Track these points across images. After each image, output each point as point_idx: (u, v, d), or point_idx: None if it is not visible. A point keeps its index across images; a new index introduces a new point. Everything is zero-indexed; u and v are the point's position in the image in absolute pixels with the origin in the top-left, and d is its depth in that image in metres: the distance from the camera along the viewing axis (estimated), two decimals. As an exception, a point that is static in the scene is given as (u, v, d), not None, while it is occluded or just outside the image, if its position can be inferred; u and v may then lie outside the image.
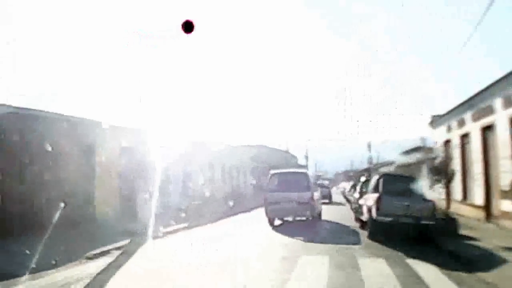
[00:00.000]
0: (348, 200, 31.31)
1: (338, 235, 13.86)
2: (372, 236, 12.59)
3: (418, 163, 24.08)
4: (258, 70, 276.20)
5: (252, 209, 24.47)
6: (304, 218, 16.39)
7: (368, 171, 45.64)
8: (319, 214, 18.39)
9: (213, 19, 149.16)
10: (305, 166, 57.61)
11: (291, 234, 13.47)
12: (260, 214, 18.09)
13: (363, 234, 13.59)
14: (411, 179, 14.21)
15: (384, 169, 38.89)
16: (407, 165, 28.36)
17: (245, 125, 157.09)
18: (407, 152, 31.91)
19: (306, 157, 58.63)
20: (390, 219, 12.05)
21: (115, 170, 17.09)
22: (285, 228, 15.61)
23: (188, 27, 4.91)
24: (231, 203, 23.10)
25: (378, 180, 14.01)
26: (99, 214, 15.68)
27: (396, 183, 13.48)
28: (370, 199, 13.57)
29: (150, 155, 16.79)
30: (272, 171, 17.48)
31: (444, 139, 21.36)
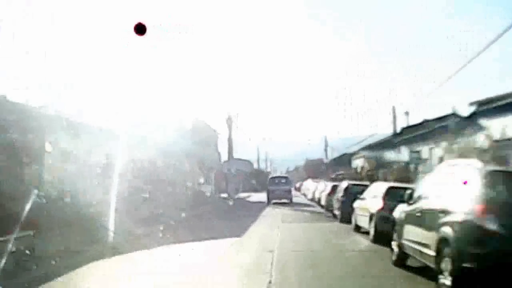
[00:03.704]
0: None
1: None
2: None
3: None
4: (255, 70, 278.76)
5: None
6: (287, 201, 31.51)
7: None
8: (291, 199, 33.72)
9: (211, 18, 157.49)
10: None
11: (278, 207, 28.63)
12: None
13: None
14: None
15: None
16: None
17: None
18: None
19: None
20: None
21: None
22: (275, 204, 30.58)
23: (140, 29, 5.10)
24: None
25: None
26: None
27: None
28: None
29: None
30: (270, 176, 32.82)
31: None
